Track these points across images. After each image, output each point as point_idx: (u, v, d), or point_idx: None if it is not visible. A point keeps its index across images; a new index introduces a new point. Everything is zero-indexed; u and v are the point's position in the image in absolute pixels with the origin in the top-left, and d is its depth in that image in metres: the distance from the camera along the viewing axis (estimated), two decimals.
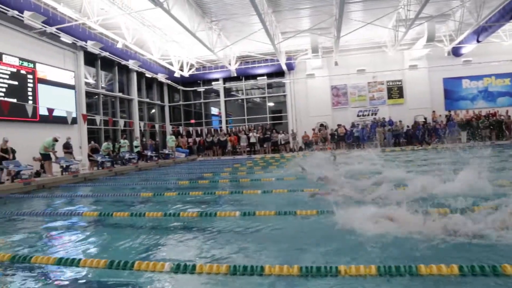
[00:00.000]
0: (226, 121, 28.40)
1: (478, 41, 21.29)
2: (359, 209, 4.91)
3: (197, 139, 26.44)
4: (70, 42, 16.93)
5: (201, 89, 28.57)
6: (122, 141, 19.55)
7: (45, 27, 14.98)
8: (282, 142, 24.64)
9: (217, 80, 27.78)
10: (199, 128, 27.30)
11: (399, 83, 25.45)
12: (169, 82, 26.92)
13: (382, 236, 4.11)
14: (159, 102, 28.09)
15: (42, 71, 16.17)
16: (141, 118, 24.71)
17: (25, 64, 15.32)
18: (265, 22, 16.06)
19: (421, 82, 24.84)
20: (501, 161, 12.05)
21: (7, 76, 14.39)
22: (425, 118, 24.26)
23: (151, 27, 19.62)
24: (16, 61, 14.86)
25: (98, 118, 19.21)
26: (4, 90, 14.17)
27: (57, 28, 15.45)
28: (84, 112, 18.51)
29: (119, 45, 19.17)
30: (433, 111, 24.40)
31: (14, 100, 14.21)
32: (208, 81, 28.03)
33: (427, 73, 24.78)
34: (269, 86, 28.10)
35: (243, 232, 5.06)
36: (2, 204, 9.36)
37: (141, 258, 3.83)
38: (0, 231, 6.42)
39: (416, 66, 24.72)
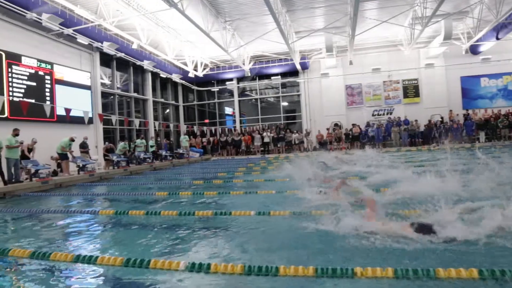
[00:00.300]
0: (240, 120, 28.44)
1: (497, 38, 20.85)
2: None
3: (211, 138, 26.55)
4: (86, 43, 17.19)
5: (215, 89, 28.67)
6: (138, 141, 19.75)
7: (62, 29, 15.25)
8: (296, 142, 24.53)
9: (231, 80, 27.84)
10: (213, 128, 27.41)
11: (415, 82, 25.07)
12: (183, 82, 27.09)
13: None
14: (173, 102, 28.29)
15: (60, 72, 16.46)
16: (155, 118, 24.93)
17: (43, 65, 15.62)
18: (279, 22, 16.00)
19: (438, 81, 24.42)
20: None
21: (26, 77, 14.71)
22: (442, 118, 23.84)
23: (165, 27, 19.78)
24: (34, 63, 15.17)
25: (114, 118, 19.47)
26: (23, 91, 14.49)
27: (74, 30, 15.72)
28: (100, 112, 18.77)
29: (134, 46, 19.39)
30: (450, 110, 23.94)
31: (33, 101, 14.49)
32: (222, 81, 28.13)
33: (444, 72, 24.34)
34: (283, 85, 28.04)
35: (257, 231, 5.06)
36: (21, 202, 9.56)
37: (157, 256, 3.85)
38: (20, 228, 6.57)
39: (432, 64, 24.30)
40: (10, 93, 13.90)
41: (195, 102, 29.63)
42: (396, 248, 3.80)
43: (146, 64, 21.71)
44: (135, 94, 22.96)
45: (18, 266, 4.17)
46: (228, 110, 30.55)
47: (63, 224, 6.61)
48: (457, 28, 21.59)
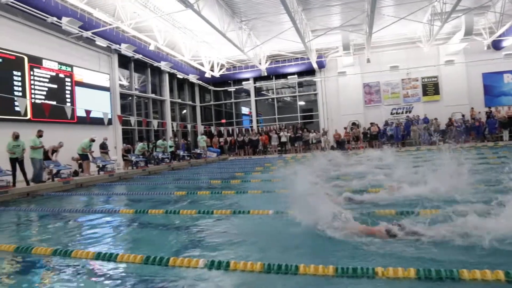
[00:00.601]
0: (257, 120, 28.45)
1: None
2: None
3: (228, 138, 26.65)
4: (105, 45, 17.47)
5: (232, 89, 28.76)
6: (160, 142, 19.95)
7: (82, 32, 15.54)
8: (313, 141, 24.38)
9: (247, 79, 27.88)
10: (230, 128, 27.49)
11: (435, 79, 24.57)
12: (200, 82, 27.26)
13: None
14: (190, 103, 28.50)
15: (79, 74, 16.78)
16: (173, 119, 25.16)
17: (64, 68, 15.95)
18: (295, 21, 15.92)
19: (458, 77, 23.85)
20: None
21: (47, 80, 15.05)
22: (463, 115, 23.28)
23: (182, 28, 19.95)
24: (55, 65, 15.51)
25: (133, 119, 19.74)
26: (44, 93, 14.83)
27: (92, 33, 15.99)
28: (119, 113, 19.06)
29: (152, 47, 19.61)
30: (472, 108, 23.36)
31: (54, 103, 14.81)
32: (239, 81, 28.19)
33: (464, 68, 23.77)
34: (300, 85, 27.91)
35: (275, 229, 5.03)
36: (44, 202, 9.79)
37: (176, 255, 3.87)
38: (43, 226, 6.72)
39: (452, 61, 23.75)
40: (32, 96, 14.25)
41: (212, 102, 29.78)
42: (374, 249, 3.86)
43: (163, 65, 21.92)
44: (153, 95, 23.22)
45: (40, 263, 4.26)
46: (244, 110, 30.60)
47: (84, 222, 6.75)
48: (478, 23, 21.04)
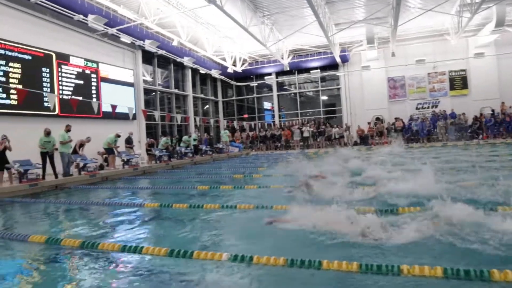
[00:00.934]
0: (279, 115, 28.36)
1: None
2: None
3: (250, 133, 26.70)
4: (129, 42, 17.76)
5: (254, 83, 28.75)
6: (185, 137, 20.16)
7: (107, 29, 15.85)
8: (336, 136, 24.12)
9: (269, 74, 27.80)
10: (252, 123, 27.52)
11: (463, 73, 23.80)
12: (222, 77, 27.40)
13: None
14: (213, 98, 28.69)
15: (104, 70, 17.15)
16: (195, 114, 25.38)
17: (89, 64, 16.33)
18: (318, 14, 15.73)
19: (488, 71, 22.99)
20: None
21: (74, 76, 15.46)
22: (493, 110, 22.49)
23: (204, 24, 20.04)
24: (81, 62, 15.90)
25: (157, 114, 20.04)
26: (71, 89, 15.25)
27: (117, 29, 16.29)
28: (143, 108, 19.39)
29: (175, 43, 19.80)
30: (502, 102, 22.51)
31: (80, 98, 15.20)
32: (261, 76, 28.15)
33: (495, 61, 22.89)
34: (323, 79, 27.62)
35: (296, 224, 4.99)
36: (71, 194, 10.09)
37: (200, 248, 3.91)
38: (71, 218, 6.93)
39: (482, 54, 22.94)
40: (60, 91, 14.68)
41: (234, 97, 29.88)
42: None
43: (186, 61, 22.13)
44: (176, 90, 23.48)
45: (69, 255, 4.39)
46: (267, 105, 30.55)
47: (110, 215, 6.91)
48: (510, 14, 20.21)
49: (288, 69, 26.07)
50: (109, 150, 14.62)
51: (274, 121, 28.24)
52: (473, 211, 4.29)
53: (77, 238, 4.76)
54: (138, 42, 18.19)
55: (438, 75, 24.23)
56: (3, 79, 12.47)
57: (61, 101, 14.46)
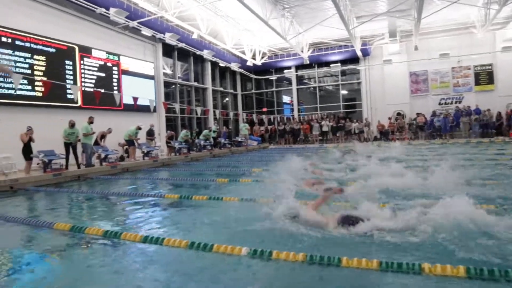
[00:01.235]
0: (298, 109, 28.20)
1: None
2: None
3: (269, 127, 26.67)
4: (149, 35, 17.92)
5: (273, 77, 28.63)
6: (205, 132, 20.25)
7: (128, 22, 16.03)
8: (356, 131, 23.84)
9: (289, 68, 27.64)
10: (271, 116, 27.49)
11: (489, 67, 23.07)
12: (241, 71, 27.38)
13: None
14: (232, 91, 28.73)
15: (125, 63, 17.37)
16: (214, 107, 25.49)
17: (111, 57, 16.57)
18: (339, 7, 15.47)
19: None
20: None
21: (96, 68, 15.73)
22: None
23: (224, 17, 20.01)
24: (103, 55, 16.15)
25: (177, 107, 20.22)
26: (93, 81, 15.52)
27: (138, 22, 16.45)
28: (163, 101, 19.59)
29: (195, 36, 19.86)
30: None
31: (102, 90, 15.46)
32: (280, 69, 28.02)
33: None
34: (343, 73, 27.27)
35: None
36: (94, 185, 10.32)
37: (219, 241, 3.93)
38: (93, 207, 7.10)
39: (510, 48, 22.16)
40: (83, 83, 14.96)
41: (253, 91, 29.84)
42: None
43: (205, 54, 22.19)
44: (195, 83, 23.59)
45: (92, 243, 4.48)
46: (286, 99, 30.41)
47: (131, 205, 7.04)
48: None
49: (308, 62, 25.83)
50: (130, 142, 14.86)
51: (293, 115, 28.10)
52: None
53: (100, 227, 4.87)
54: (159, 35, 18.33)
55: (462, 69, 23.57)
56: (29, 71, 12.79)
57: (84, 93, 14.75)
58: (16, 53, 12.49)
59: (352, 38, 20.83)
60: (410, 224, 4.01)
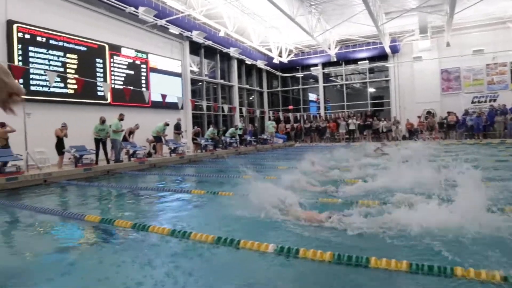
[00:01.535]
0: (325, 107, 27.91)
1: None
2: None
3: (295, 125, 26.52)
4: (177, 33, 18.15)
5: (300, 74, 28.44)
6: (232, 130, 20.37)
7: (156, 20, 16.29)
8: (384, 130, 23.35)
9: (316, 65, 27.37)
10: (298, 114, 27.31)
11: None
12: (268, 68, 27.34)
13: None
14: (258, 88, 28.73)
15: (153, 61, 17.66)
16: (240, 104, 25.57)
17: (140, 55, 16.88)
18: (368, 3, 15.17)
19: None
20: None
21: (125, 66, 16.07)
22: None
23: (251, 14, 20.02)
24: (132, 53, 16.48)
25: (204, 104, 20.42)
26: (122, 78, 15.87)
27: (166, 21, 16.70)
28: (190, 98, 19.83)
29: (221, 34, 19.97)
30: None
31: (131, 88, 15.79)
32: (307, 67, 27.79)
33: None
34: (371, 70, 26.76)
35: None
36: (122, 179, 10.56)
37: (246, 237, 3.92)
38: (122, 201, 7.27)
39: None
40: (112, 81, 15.32)
41: (279, 88, 29.74)
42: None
43: (232, 51, 22.28)
44: (222, 81, 23.73)
45: (121, 235, 4.58)
46: (312, 96, 30.16)
47: (158, 200, 7.17)
48: None
49: (335, 60, 25.53)
50: (158, 138, 15.15)
51: (319, 113, 27.83)
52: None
53: (128, 220, 4.97)
54: (186, 33, 18.54)
55: (498, 66, 22.63)
56: (61, 69, 13.20)
57: (113, 90, 15.10)
58: (50, 52, 12.92)
59: (381, 35, 20.39)
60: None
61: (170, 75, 18.69)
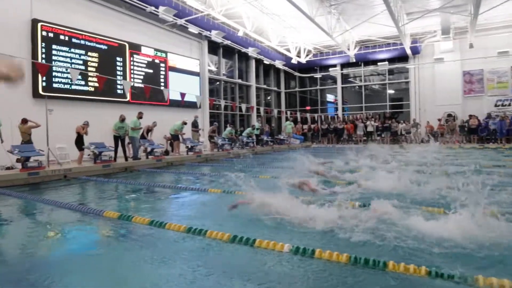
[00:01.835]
0: (342, 108, 27.64)
1: None
2: None
3: (312, 126, 26.36)
4: (196, 32, 18.27)
5: (318, 75, 28.26)
6: (249, 129, 20.37)
7: (176, 20, 16.44)
8: (403, 133, 22.97)
9: (334, 66, 27.14)
10: (316, 115, 27.14)
11: None
12: (286, 68, 27.26)
13: None
14: (275, 89, 28.68)
15: (172, 60, 17.82)
16: (258, 104, 25.57)
17: (159, 54, 17.06)
18: (389, 3, 14.95)
19: None
20: None
21: (144, 65, 16.27)
22: None
23: (270, 14, 19.98)
24: (151, 52, 16.66)
25: (222, 103, 20.49)
26: (141, 77, 16.07)
27: (185, 20, 16.82)
28: (208, 97, 19.94)
29: (240, 33, 20.00)
30: None
31: (151, 86, 15.96)
32: (325, 67, 27.59)
33: None
34: (390, 72, 26.37)
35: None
36: (140, 177, 10.69)
37: (261, 237, 3.91)
38: (139, 198, 7.35)
39: None
40: (132, 79, 15.52)
41: (297, 89, 29.62)
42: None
43: (250, 51, 22.29)
44: (239, 80, 23.78)
45: (137, 231, 4.63)
46: (330, 97, 29.93)
47: (175, 198, 7.22)
48: None
49: (354, 60, 25.26)
50: (175, 137, 15.28)
51: (337, 114, 27.60)
52: None
53: (145, 217, 5.02)
54: (205, 33, 18.64)
55: None
56: (83, 67, 13.45)
57: (132, 88, 15.29)
58: (72, 50, 13.18)
59: (402, 36, 20.05)
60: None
61: (189, 74, 18.84)
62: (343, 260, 3.28)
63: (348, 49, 23.99)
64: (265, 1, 18.01)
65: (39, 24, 12.10)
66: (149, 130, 14.77)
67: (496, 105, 22.53)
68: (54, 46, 12.57)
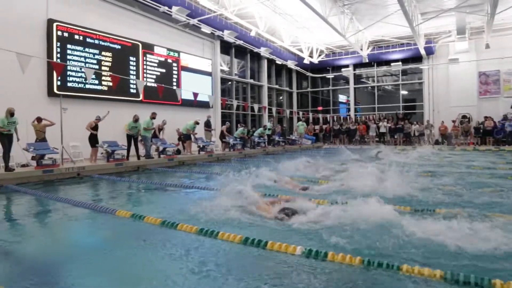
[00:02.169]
0: (355, 109, 27.44)
1: None
2: None
3: (324, 126, 26.22)
4: (209, 32, 18.33)
5: (330, 75, 28.10)
6: (260, 129, 20.36)
7: (189, 20, 16.52)
8: (416, 134, 22.69)
9: (347, 66, 26.96)
10: (328, 115, 27.00)
11: None
12: (298, 68, 27.18)
13: None
14: (287, 89, 28.62)
15: (185, 60, 17.91)
16: (269, 104, 25.53)
17: (172, 53, 17.17)
18: (403, 3, 14.75)
19: None
20: None
21: (157, 65, 16.38)
22: None
23: (282, 14, 19.93)
24: (164, 51, 16.77)
25: (235, 103, 20.52)
26: (154, 77, 16.18)
27: (198, 20, 16.90)
28: (219, 97, 19.98)
29: (252, 33, 20.01)
30: None
31: (163, 86, 16.05)
32: (338, 68, 27.42)
33: None
34: (404, 72, 26.06)
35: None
36: (152, 175, 10.77)
37: (274, 239, 3.88)
38: (151, 197, 7.40)
39: None
40: (145, 79, 15.64)
41: (309, 89, 29.50)
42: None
43: (262, 51, 22.28)
44: (251, 80, 23.79)
45: (150, 231, 4.64)
46: (342, 98, 29.72)
47: (186, 197, 7.23)
48: None
49: (367, 61, 25.05)
50: (187, 136, 15.35)
51: (349, 115, 27.41)
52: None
53: (157, 217, 5.03)
54: (217, 33, 18.69)
55: None
56: (96, 66, 13.60)
57: (145, 88, 15.39)
58: (86, 49, 13.34)
59: (416, 36, 19.78)
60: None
61: (201, 74, 18.91)
62: (356, 263, 3.23)
63: (361, 49, 23.79)
64: (277, 1, 17.98)
65: (55, 24, 12.28)
66: (160, 129, 14.88)
67: None
68: (69, 46, 12.74)
